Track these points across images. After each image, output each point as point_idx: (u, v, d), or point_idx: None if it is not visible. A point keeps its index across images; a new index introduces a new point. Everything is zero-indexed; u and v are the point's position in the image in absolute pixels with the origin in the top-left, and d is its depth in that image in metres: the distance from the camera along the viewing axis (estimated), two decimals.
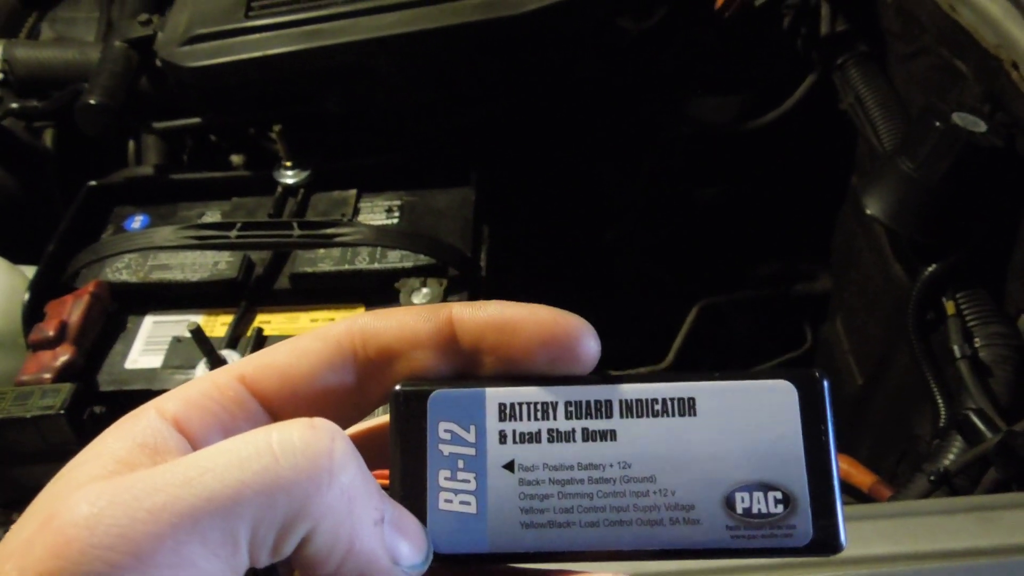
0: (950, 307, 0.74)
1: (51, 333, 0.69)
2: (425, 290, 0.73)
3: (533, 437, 0.23)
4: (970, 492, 0.64)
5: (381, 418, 0.25)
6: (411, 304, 0.72)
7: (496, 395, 0.23)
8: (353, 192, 0.85)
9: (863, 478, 0.75)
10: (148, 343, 0.74)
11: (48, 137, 0.99)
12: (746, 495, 0.22)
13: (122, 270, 0.78)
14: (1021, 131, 0.71)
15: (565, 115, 1.00)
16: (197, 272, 0.77)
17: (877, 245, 0.87)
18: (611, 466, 0.22)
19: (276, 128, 0.84)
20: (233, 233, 0.75)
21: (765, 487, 0.22)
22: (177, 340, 0.73)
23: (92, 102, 0.80)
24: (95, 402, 0.67)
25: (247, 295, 0.77)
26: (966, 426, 0.66)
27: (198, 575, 0.18)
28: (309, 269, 0.77)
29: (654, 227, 1.17)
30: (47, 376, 0.67)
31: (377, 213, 0.83)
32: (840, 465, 0.76)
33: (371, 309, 0.32)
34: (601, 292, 1.17)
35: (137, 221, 0.85)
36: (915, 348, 0.76)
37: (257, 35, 0.83)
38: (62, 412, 0.63)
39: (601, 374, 0.23)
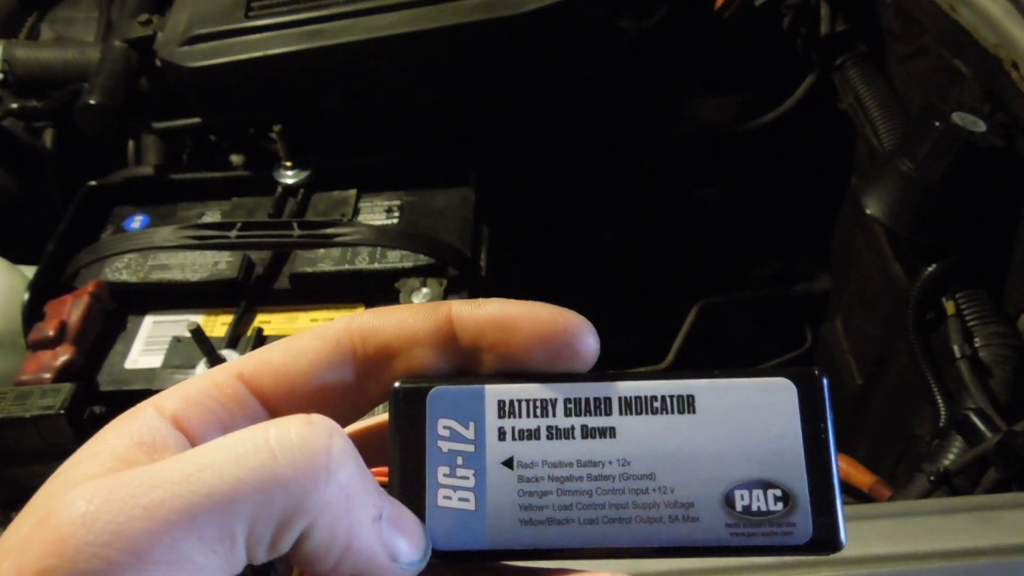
0: (950, 307, 0.74)
1: (51, 333, 0.69)
2: (425, 290, 0.73)
3: (532, 434, 0.23)
4: (970, 492, 0.64)
5: (380, 416, 0.25)
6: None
7: (495, 392, 0.23)
8: (353, 192, 0.85)
9: (863, 478, 0.75)
10: (148, 343, 0.74)
11: (48, 137, 0.99)
12: (746, 493, 0.22)
13: (122, 270, 0.78)
14: (1021, 131, 0.71)
15: (565, 115, 1.00)
16: (197, 272, 0.77)
17: (877, 245, 0.87)
18: (610, 463, 0.22)
19: (276, 128, 0.84)
20: (233, 233, 0.75)
21: (765, 485, 0.22)
22: (177, 340, 0.73)
23: (92, 102, 0.80)
24: (95, 402, 0.67)
25: (247, 295, 0.77)
26: (966, 426, 0.66)
27: (195, 572, 0.18)
28: (309, 269, 0.77)
29: (654, 227, 1.17)
30: (47, 376, 0.67)
31: (377, 213, 0.83)
32: (840, 465, 0.76)
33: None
34: (601, 292, 1.17)
35: (137, 221, 0.85)
36: (915, 348, 0.76)
37: (257, 35, 0.83)
38: (62, 412, 0.63)
39: (600, 372, 0.23)
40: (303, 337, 0.23)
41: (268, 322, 0.75)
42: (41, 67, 0.93)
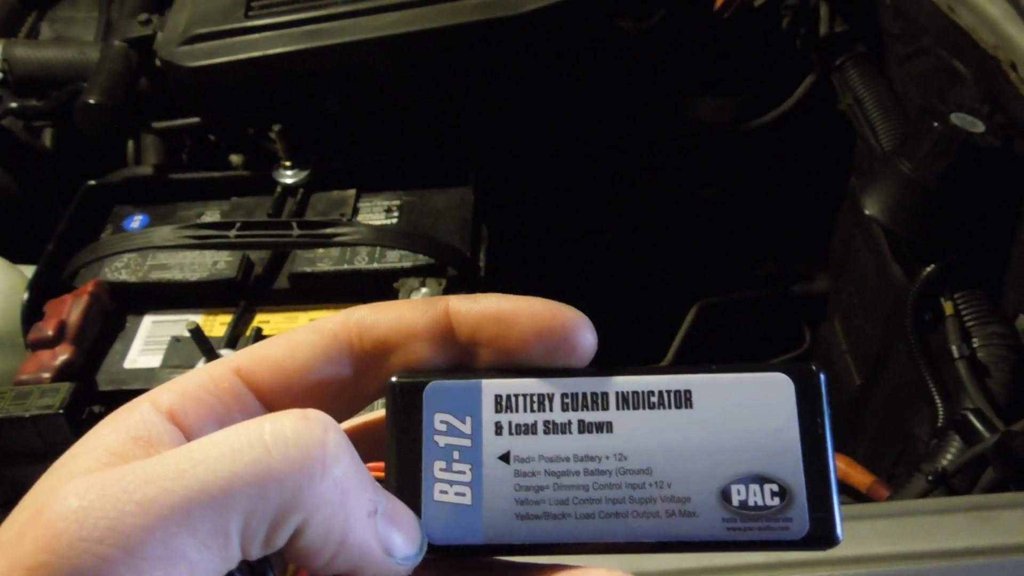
0: (948, 307, 0.74)
1: (50, 332, 0.69)
2: (424, 290, 0.73)
3: (529, 429, 0.23)
4: (968, 492, 0.64)
5: (377, 412, 0.25)
6: None
7: (492, 387, 0.23)
8: (352, 192, 0.85)
9: (861, 478, 0.75)
10: (147, 342, 0.74)
11: (47, 137, 0.99)
12: (742, 488, 0.22)
13: (121, 270, 0.78)
14: (1019, 132, 0.71)
15: (564, 115, 1.00)
16: (196, 272, 0.77)
17: (875, 245, 0.87)
18: (607, 458, 0.22)
19: (275, 128, 0.84)
20: (232, 233, 0.75)
21: (761, 480, 0.22)
22: (176, 340, 0.73)
23: (91, 102, 0.80)
24: (94, 401, 0.67)
25: (246, 295, 0.77)
26: (964, 426, 0.66)
27: (189, 567, 0.18)
28: (308, 269, 0.77)
29: (653, 227, 1.17)
30: (46, 375, 0.67)
31: (376, 213, 0.83)
32: (838, 465, 0.76)
33: None
34: (600, 292, 1.17)
35: (136, 221, 0.85)
36: (913, 348, 0.76)
37: (256, 35, 0.83)
38: (61, 411, 0.63)
39: (597, 367, 0.23)
40: (300, 332, 0.23)
41: (267, 322, 0.75)
42: (41, 66, 0.93)
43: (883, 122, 0.88)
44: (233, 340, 0.73)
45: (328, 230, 0.75)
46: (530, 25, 0.81)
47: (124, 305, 0.77)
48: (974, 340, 0.72)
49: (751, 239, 1.17)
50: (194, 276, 0.77)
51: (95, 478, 0.18)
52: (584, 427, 0.23)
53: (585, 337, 0.23)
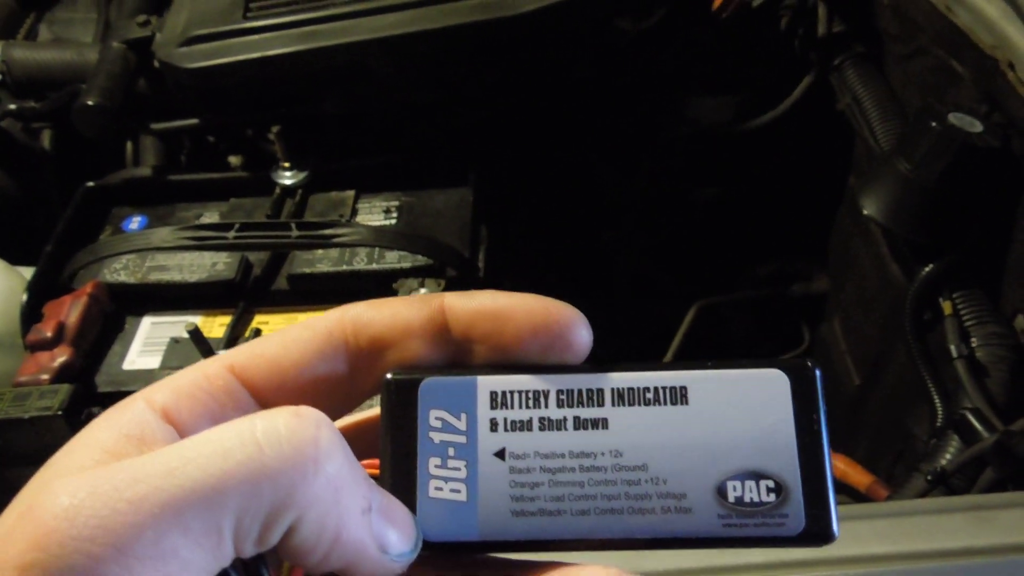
0: (947, 307, 0.74)
1: (49, 334, 0.69)
2: (423, 290, 0.73)
3: (524, 425, 0.23)
4: (967, 492, 0.64)
5: (372, 410, 0.25)
6: None
7: (487, 383, 0.23)
8: (351, 193, 0.85)
9: (860, 478, 0.75)
10: (146, 344, 0.74)
11: (46, 138, 0.99)
12: (738, 484, 0.22)
13: (120, 271, 0.78)
14: (1017, 131, 0.71)
15: (563, 116, 1.01)
16: (195, 273, 0.77)
17: (874, 245, 0.87)
18: (602, 454, 0.22)
19: (274, 129, 0.84)
20: (231, 234, 0.75)
21: (757, 476, 0.22)
22: (175, 341, 0.73)
23: (90, 103, 0.80)
24: (93, 403, 0.67)
25: (245, 296, 0.77)
26: (963, 426, 0.66)
27: (181, 566, 0.18)
28: (307, 270, 0.77)
29: (652, 227, 1.17)
30: (45, 377, 0.67)
31: (375, 214, 0.83)
32: (837, 465, 0.76)
33: None
34: (599, 292, 1.17)
35: (135, 222, 0.85)
36: (912, 348, 0.77)
37: (255, 36, 0.83)
38: (60, 413, 0.63)
39: (593, 363, 0.23)
40: (295, 329, 0.23)
41: (266, 323, 0.75)
42: (39, 68, 0.93)
43: (881, 122, 0.88)
44: (232, 341, 0.73)
45: (327, 231, 0.75)
46: (529, 25, 0.81)
47: (123, 306, 0.76)
48: (973, 340, 0.72)
49: (750, 239, 1.17)
50: (193, 277, 0.77)
51: (86, 476, 0.18)
52: (580, 424, 0.23)
53: (580, 334, 0.22)
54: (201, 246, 0.75)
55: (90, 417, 0.65)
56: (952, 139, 0.71)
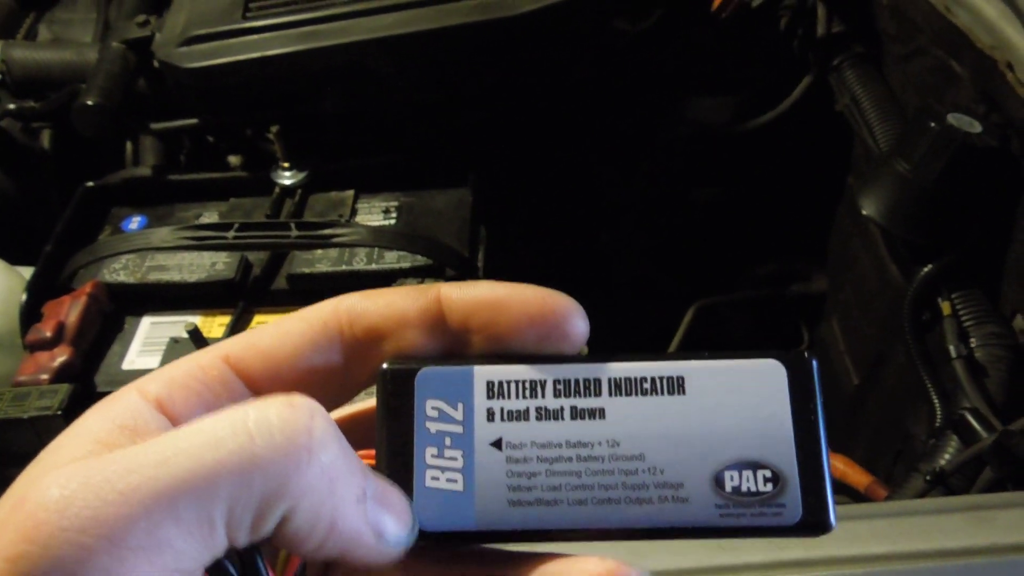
0: (946, 307, 0.74)
1: (48, 334, 0.69)
2: None
3: (521, 415, 0.23)
4: (966, 492, 0.64)
5: (367, 402, 0.25)
6: None
7: (484, 373, 0.23)
8: (351, 193, 0.85)
9: (859, 478, 0.75)
10: (145, 344, 0.74)
11: (45, 138, 0.99)
12: (735, 473, 0.22)
13: (119, 271, 0.78)
14: (1016, 132, 0.71)
15: (562, 116, 1.01)
16: (194, 273, 0.77)
17: (873, 246, 0.87)
18: (599, 444, 0.22)
19: (274, 129, 0.84)
20: (230, 234, 0.75)
21: (754, 465, 0.22)
22: (174, 341, 0.73)
23: (89, 103, 0.80)
24: (92, 403, 0.67)
25: (245, 296, 0.77)
26: (962, 426, 0.66)
27: (174, 556, 0.18)
28: (307, 270, 0.77)
29: (651, 228, 1.17)
30: (44, 377, 0.67)
31: (375, 214, 0.83)
32: (836, 465, 0.76)
33: None
34: (598, 293, 1.17)
35: (134, 222, 0.85)
36: (911, 348, 0.77)
37: (255, 36, 0.83)
38: (59, 413, 0.63)
39: (590, 353, 0.23)
40: (290, 319, 0.23)
41: (266, 323, 0.75)
42: (39, 68, 0.93)
43: (880, 122, 0.88)
44: None
45: (326, 231, 0.75)
46: (528, 26, 0.81)
47: (122, 306, 0.76)
48: (972, 340, 0.72)
49: (749, 239, 1.17)
50: (192, 277, 0.77)
51: (77, 467, 0.18)
52: (576, 413, 0.22)
53: (577, 324, 0.22)
54: (200, 246, 0.75)
55: None
56: (951, 139, 0.71)
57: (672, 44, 1.00)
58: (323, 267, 0.76)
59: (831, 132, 0.99)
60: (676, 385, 0.23)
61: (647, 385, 0.23)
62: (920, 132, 0.74)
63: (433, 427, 0.23)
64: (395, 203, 0.84)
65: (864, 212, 0.77)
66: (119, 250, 0.77)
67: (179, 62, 0.83)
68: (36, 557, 0.17)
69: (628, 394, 0.23)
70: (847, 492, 0.75)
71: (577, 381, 0.23)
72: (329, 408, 0.21)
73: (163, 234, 0.75)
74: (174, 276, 0.77)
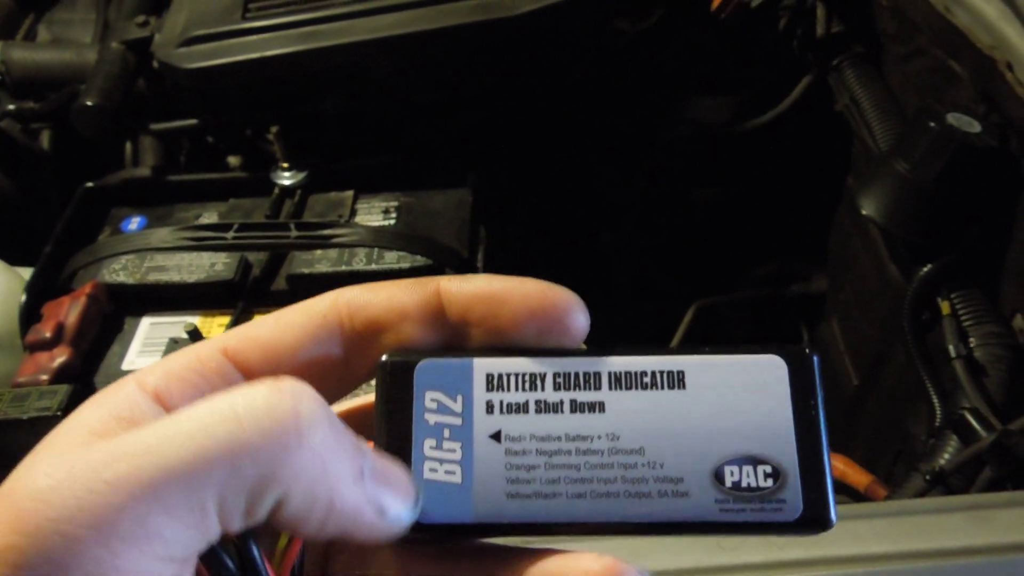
0: (945, 307, 0.74)
1: (48, 335, 0.69)
2: None
3: (521, 408, 0.22)
4: (965, 491, 0.64)
5: (366, 397, 0.25)
6: None
7: (484, 365, 0.23)
8: (350, 193, 0.85)
9: (859, 478, 0.75)
10: (145, 344, 0.74)
11: (45, 139, 0.99)
12: (735, 468, 0.22)
13: (119, 271, 0.78)
14: (1015, 131, 0.71)
15: (562, 116, 1.01)
16: (194, 273, 0.77)
17: (872, 245, 0.87)
18: (599, 438, 0.22)
19: (273, 129, 0.84)
20: (230, 234, 0.75)
21: (755, 461, 0.22)
22: (174, 341, 0.73)
23: (88, 104, 0.80)
24: None
25: (244, 296, 0.77)
26: (961, 425, 0.66)
27: (164, 544, 0.18)
28: (306, 270, 0.77)
29: (651, 228, 1.17)
30: (44, 378, 0.67)
31: (374, 214, 0.83)
32: (836, 465, 0.76)
33: None
34: (598, 293, 1.17)
35: (134, 222, 0.85)
36: (910, 348, 0.77)
37: (254, 36, 0.83)
38: (59, 414, 0.63)
39: (590, 347, 0.23)
40: (289, 312, 0.23)
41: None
42: (38, 69, 0.93)
43: (880, 122, 0.88)
44: None
45: (326, 231, 0.75)
46: (527, 26, 0.81)
47: (122, 307, 0.76)
48: (971, 339, 0.72)
49: (749, 239, 1.17)
50: (192, 278, 0.77)
51: (65, 457, 0.18)
52: (576, 407, 0.22)
53: (577, 318, 0.22)
54: (200, 246, 0.75)
55: None
56: (950, 139, 0.71)
57: (672, 44, 1.00)
58: (322, 267, 0.76)
59: (831, 132, 0.99)
60: (676, 379, 0.22)
61: (647, 379, 0.22)
62: (920, 132, 0.74)
63: (432, 419, 0.22)
64: (395, 203, 0.84)
65: (864, 212, 0.77)
66: (119, 251, 0.77)
67: (179, 63, 0.83)
68: (24, 548, 0.17)
69: (628, 388, 0.22)
70: (847, 492, 0.75)
71: (577, 374, 0.23)
72: (329, 401, 0.21)
73: (163, 235, 0.75)
74: (173, 277, 0.77)
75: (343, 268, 0.76)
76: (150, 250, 0.76)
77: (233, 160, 0.92)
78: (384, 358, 0.23)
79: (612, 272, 1.19)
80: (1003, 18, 0.72)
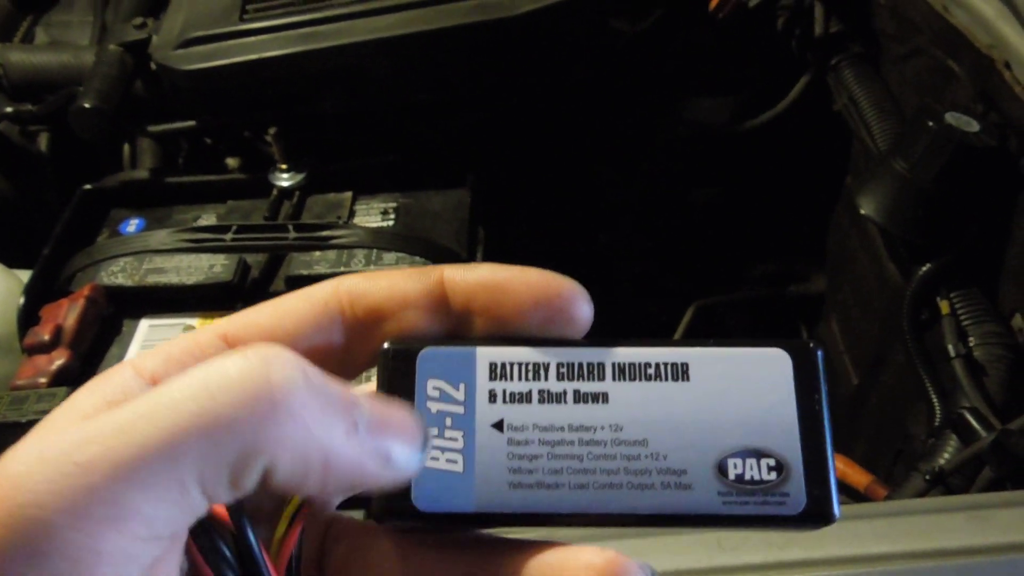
0: (944, 307, 0.74)
1: (46, 337, 0.69)
2: None
3: (524, 397, 0.22)
4: (965, 491, 0.64)
5: (367, 385, 0.25)
6: None
7: (487, 354, 0.22)
8: (349, 194, 0.85)
9: (859, 478, 0.75)
10: (144, 346, 0.74)
11: (43, 141, 0.99)
12: (739, 461, 0.22)
13: (117, 273, 0.78)
14: (1014, 131, 0.71)
15: (561, 117, 1.01)
16: (192, 275, 0.77)
17: (871, 245, 0.87)
18: (602, 428, 0.22)
19: (271, 131, 0.84)
20: (228, 236, 0.75)
21: (758, 454, 0.22)
22: None
23: (86, 106, 0.80)
24: None
25: (243, 298, 0.77)
26: (961, 425, 0.66)
27: (145, 523, 0.17)
28: (305, 272, 0.77)
29: (650, 228, 1.17)
30: (42, 380, 0.67)
31: (373, 215, 0.83)
32: (836, 464, 0.76)
33: None
34: (598, 293, 1.17)
35: (132, 224, 0.85)
36: (910, 348, 0.77)
37: (252, 38, 0.83)
38: None
39: (594, 338, 0.23)
40: (289, 298, 0.23)
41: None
42: (36, 71, 0.93)
43: (878, 122, 0.88)
44: None
45: (324, 232, 0.75)
46: (526, 27, 0.81)
47: (120, 309, 0.76)
48: (970, 339, 0.72)
49: (747, 239, 1.17)
50: (190, 279, 0.77)
51: (40, 441, 0.18)
52: (580, 397, 0.22)
53: (582, 308, 0.22)
54: (198, 248, 0.75)
55: None
56: (949, 139, 0.71)
57: (670, 44, 1.00)
58: (321, 269, 0.76)
59: (829, 132, 0.99)
60: (680, 371, 0.22)
61: (651, 371, 0.22)
62: (918, 131, 0.74)
63: (434, 407, 0.22)
64: (393, 204, 0.84)
65: (863, 212, 0.77)
66: (117, 252, 0.77)
67: (176, 64, 0.83)
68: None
69: (632, 379, 0.22)
70: (847, 492, 0.75)
71: (581, 365, 0.22)
72: None
73: (161, 236, 0.75)
74: (172, 278, 0.77)
75: (342, 269, 0.76)
76: (149, 252, 0.76)
77: (231, 162, 0.92)
78: (386, 345, 0.23)
79: (612, 272, 1.19)
80: (1001, 17, 0.72)
